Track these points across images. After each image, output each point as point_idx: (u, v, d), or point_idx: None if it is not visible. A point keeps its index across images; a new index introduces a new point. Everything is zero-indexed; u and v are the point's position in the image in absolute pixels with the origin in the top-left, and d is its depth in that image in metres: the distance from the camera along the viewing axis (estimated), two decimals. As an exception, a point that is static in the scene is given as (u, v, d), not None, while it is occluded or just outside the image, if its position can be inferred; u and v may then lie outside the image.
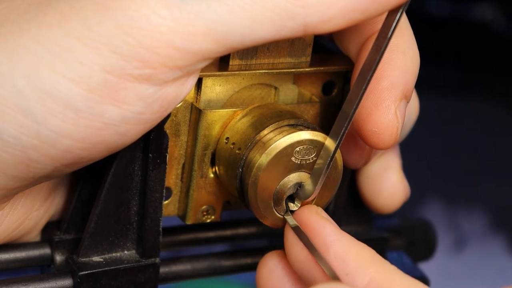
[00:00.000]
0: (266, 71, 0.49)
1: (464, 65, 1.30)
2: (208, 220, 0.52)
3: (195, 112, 0.49)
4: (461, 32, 1.30)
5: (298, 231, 0.46)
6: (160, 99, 0.44)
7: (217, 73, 0.49)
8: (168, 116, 0.46)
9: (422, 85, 0.59)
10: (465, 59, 1.30)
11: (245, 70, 0.49)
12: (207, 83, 0.49)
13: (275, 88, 0.51)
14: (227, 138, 0.49)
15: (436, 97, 1.19)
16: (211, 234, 0.56)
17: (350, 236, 0.46)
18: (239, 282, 0.91)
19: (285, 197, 0.48)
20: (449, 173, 1.14)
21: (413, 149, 0.80)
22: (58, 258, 0.51)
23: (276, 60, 0.50)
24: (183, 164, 0.51)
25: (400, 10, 0.44)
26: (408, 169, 0.57)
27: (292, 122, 0.48)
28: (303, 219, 0.47)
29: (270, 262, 0.47)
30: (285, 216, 0.48)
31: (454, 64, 1.30)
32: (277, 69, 0.50)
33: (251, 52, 0.49)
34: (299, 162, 0.48)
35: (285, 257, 0.47)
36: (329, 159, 0.47)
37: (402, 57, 0.48)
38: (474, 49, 1.30)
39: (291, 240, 0.46)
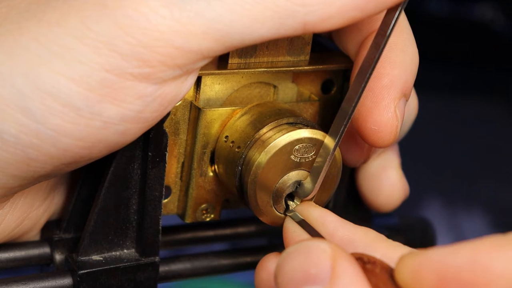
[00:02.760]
0: (265, 69, 0.49)
1: (464, 65, 1.30)
2: (208, 219, 0.52)
3: (194, 111, 0.49)
4: (461, 32, 1.30)
5: (305, 224, 0.46)
6: (159, 98, 0.44)
7: (216, 71, 0.49)
8: (168, 114, 0.46)
9: (422, 85, 0.59)
10: (465, 59, 1.30)
11: (244, 68, 0.49)
12: (206, 81, 0.49)
13: (274, 86, 0.51)
14: (227, 136, 0.50)
15: (436, 97, 1.19)
16: (211, 233, 0.56)
17: (351, 223, 0.46)
18: (238, 282, 0.91)
19: (284, 195, 0.48)
20: (449, 172, 1.14)
21: (413, 149, 0.80)
22: (58, 257, 0.51)
23: (275, 59, 0.50)
24: (183, 163, 0.51)
25: (399, 8, 0.44)
26: (408, 169, 0.57)
27: (291, 120, 0.49)
28: (302, 214, 0.47)
29: (269, 264, 0.47)
30: (288, 214, 0.48)
31: (454, 64, 1.30)
32: (276, 67, 0.50)
33: (250, 51, 0.49)
34: (298, 160, 0.48)
35: None
36: (328, 157, 0.47)
37: (401, 55, 0.48)
38: (474, 49, 1.30)
39: (293, 235, 0.46)
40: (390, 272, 0.40)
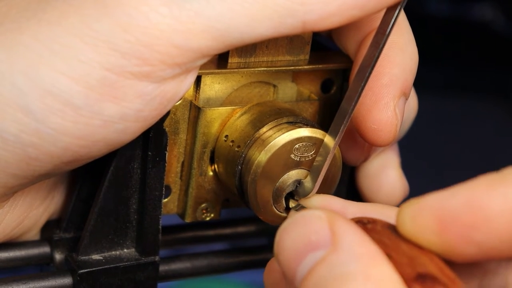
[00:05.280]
0: (265, 69, 0.49)
1: (464, 65, 1.30)
2: (207, 218, 0.52)
3: (194, 110, 0.49)
4: (461, 32, 1.30)
5: None
6: (159, 96, 0.44)
7: (216, 71, 0.49)
8: (167, 114, 0.46)
9: (422, 85, 0.59)
10: (465, 59, 1.30)
11: (244, 68, 0.49)
12: (206, 81, 0.49)
13: (274, 86, 0.51)
14: (226, 135, 0.49)
15: (436, 97, 1.19)
16: (211, 232, 0.56)
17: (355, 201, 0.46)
18: (239, 282, 0.91)
19: (284, 194, 0.48)
20: (449, 172, 1.14)
21: (413, 149, 0.80)
22: (58, 256, 0.51)
23: (275, 58, 0.50)
24: (182, 162, 0.51)
25: (399, 7, 0.44)
26: (408, 169, 0.57)
27: (291, 119, 0.48)
28: (306, 204, 0.47)
29: (276, 265, 0.47)
30: (292, 207, 0.48)
31: (454, 64, 1.30)
32: (275, 67, 0.50)
33: (250, 50, 0.49)
34: (298, 159, 0.48)
35: None
36: (328, 156, 0.47)
37: (401, 54, 0.48)
38: (474, 49, 1.30)
39: None
40: (392, 228, 0.40)
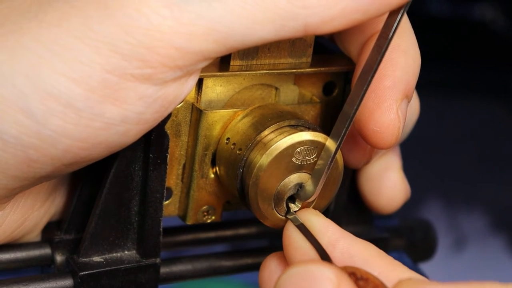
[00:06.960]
0: (267, 71, 0.49)
1: (464, 65, 1.30)
2: (209, 221, 0.52)
3: (196, 113, 0.49)
4: (461, 32, 1.30)
5: (304, 229, 0.46)
6: (160, 99, 0.44)
7: (218, 73, 0.49)
8: (169, 116, 0.46)
9: (422, 85, 0.58)
10: (465, 59, 1.30)
11: (246, 70, 0.49)
12: (208, 83, 0.49)
13: (276, 88, 0.51)
14: (228, 138, 0.49)
15: (436, 97, 1.19)
16: (212, 234, 0.56)
17: (353, 235, 0.46)
18: (239, 282, 0.91)
19: (285, 197, 0.48)
20: (449, 173, 1.15)
21: (413, 149, 0.80)
22: (59, 258, 0.51)
23: (277, 61, 0.50)
24: (184, 165, 0.51)
25: (401, 11, 0.44)
26: (408, 169, 0.57)
27: (292, 122, 0.48)
28: (305, 222, 0.47)
29: (271, 264, 0.47)
30: (288, 216, 0.48)
31: (454, 64, 1.30)
32: (278, 69, 0.49)
33: (252, 53, 0.49)
34: (300, 163, 0.48)
35: (285, 258, 0.47)
36: (330, 159, 0.47)
37: (404, 57, 0.48)
38: (474, 49, 1.30)
39: (291, 240, 0.46)
40: None
